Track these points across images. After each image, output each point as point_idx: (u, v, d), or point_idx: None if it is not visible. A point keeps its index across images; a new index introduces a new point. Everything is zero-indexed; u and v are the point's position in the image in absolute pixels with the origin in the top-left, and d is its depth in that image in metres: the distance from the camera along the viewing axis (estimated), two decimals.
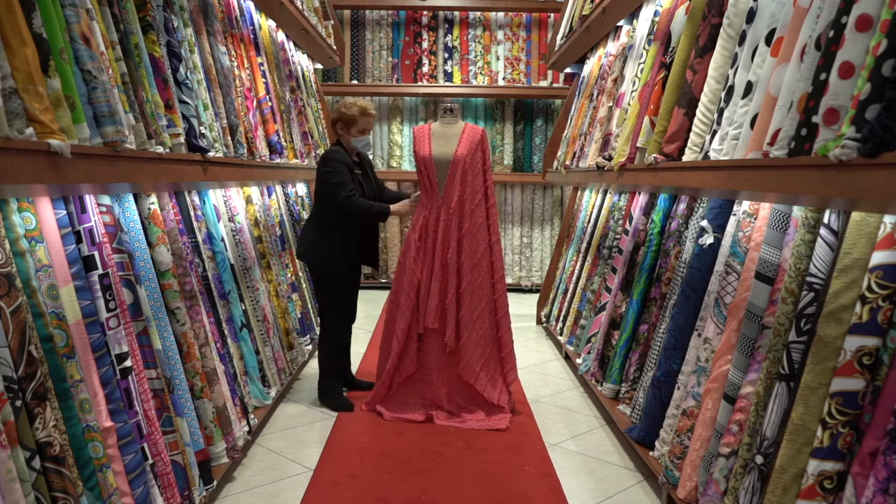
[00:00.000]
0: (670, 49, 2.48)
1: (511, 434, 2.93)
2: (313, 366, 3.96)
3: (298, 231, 4.38)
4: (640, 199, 3.24)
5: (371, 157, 6.52)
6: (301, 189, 4.82)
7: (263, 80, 3.40)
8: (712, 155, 1.88)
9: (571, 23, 4.34)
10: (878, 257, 1.49)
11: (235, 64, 2.95)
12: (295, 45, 4.68)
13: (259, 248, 3.31)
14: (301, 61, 4.85)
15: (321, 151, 4.80)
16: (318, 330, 3.50)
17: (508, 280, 6.55)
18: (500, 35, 6.46)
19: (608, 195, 3.96)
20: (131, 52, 1.85)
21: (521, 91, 6.33)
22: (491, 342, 3.19)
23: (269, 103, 3.41)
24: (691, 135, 2.10)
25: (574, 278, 4.27)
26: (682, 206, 2.69)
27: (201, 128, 2.28)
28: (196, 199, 2.59)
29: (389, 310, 3.23)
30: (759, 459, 1.70)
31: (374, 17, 6.44)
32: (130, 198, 2.07)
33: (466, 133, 3.17)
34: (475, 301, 3.11)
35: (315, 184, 3.19)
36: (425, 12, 6.39)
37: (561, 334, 4.28)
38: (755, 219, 2.06)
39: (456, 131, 3.18)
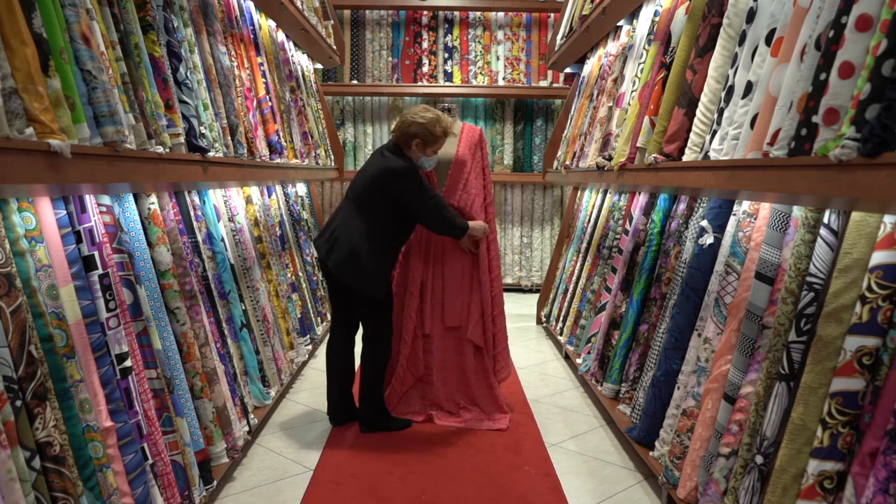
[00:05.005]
0: (670, 49, 2.48)
1: (511, 434, 2.93)
2: (313, 365, 3.96)
3: (300, 231, 4.37)
4: (640, 199, 3.24)
5: None
6: (301, 189, 4.82)
7: (263, 80, 3.40)
8: (712, 155, 1.88)
9: (571, 23, 4.34)
10: (878, 257, 1.49)
11: (235, 64, 2.95)
12: (295, 45, 4.68)
13: (259, 248, 3.31)
14: (301, 61, 4.85)
15: (321, 151, 4.80)
16: (353, 349, 3.04)
17: (508, 280, 6.55)
18: (500, 35, 6.45)
19: (608, 195, 3.96)
20: (131, 52, 1.86)
21: (521, 91, 6.33)
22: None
23: (269, 103, 3.41)
24: (691, 135, 2.10)
25: (574, 278, 4.27)
26: (682, 206, 2.69)
27: (201, 128, 2.28)
28: (196, 199, 2.59)
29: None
30: (759, 459, 1.70)
31: (374, 17, 6.44)
32: (130, 198, 2.07)
33: (465, 133, 3.17)
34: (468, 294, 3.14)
35: (374, 198, 2.74)
36: (425, 12, 6.39)
37: (561, 334, 4.28)
38: (755, 219, 2.06)
39: (455, 131, 3.18)
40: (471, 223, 2.94)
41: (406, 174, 2.72)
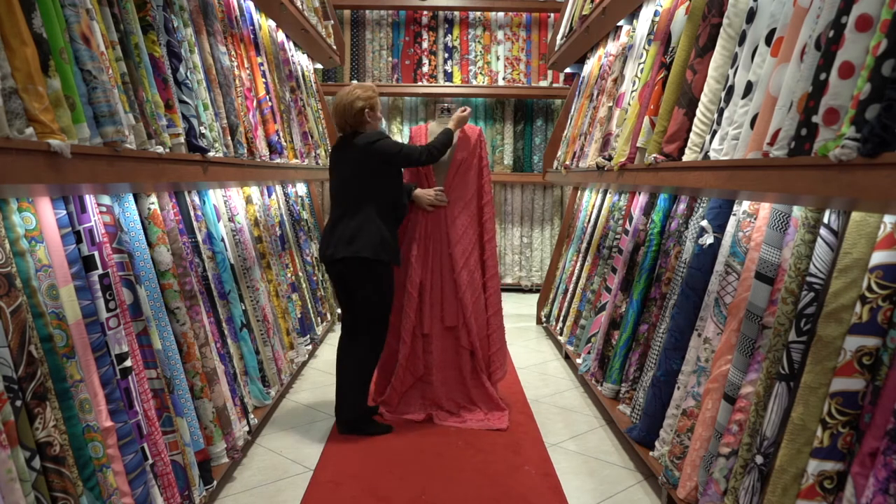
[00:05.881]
0: (670, 49, 2.48)
1: (511, 434, 2.93)
2: (313, 365, 3.96)
3: (300, 231, 4.37)
4: (640, 199, 3.24)
5: None
6: (301, 189, 4.82)
7: (263, 80, 3.40)
8: (712, 155, 1.88)
9: (571, 23, 4.34)
10: (878, 257, 1.49)
11: (235, 64, 2.95)
12: (295, 45, 4.68)
13: (259, 248, 3.31)
14: (301, 61, 4.85)
15: (321, 151, 4.80)
16: (341, 341, 2.99)
17: (508, 280, 6.55)
18: (500, 35, 6.46)
19: (608, 195, 3.96)
20: (131, 52, 1.86)
21: (521, 91, 6.33)
22: (482, 338, 3.20)
23: (269, 103, 3.41)
24: (691, 135, 2.10)
25: (574, 278, 4.27)
26: (682, 206, 2.69)
27: (201, 128, 2.28)
28: (196, 199, 2.59)
29: (391, 312, 3.21)
30: (759, 459, 1.70)
31: (374, 17, 6.44)
32: (130, 198, 2.07)
33: (464, 132, 3.17)
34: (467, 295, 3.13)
35: (361, 171, 2.79)
36: (425, 12, 6.39)
37: (561, 334, 4.28)
38: (755, 219, 2.06)
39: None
40: (451, 125, 3.01)
41: (383, 139, 2.81)
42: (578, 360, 3.62)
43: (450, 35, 6.45)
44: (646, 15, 3.14)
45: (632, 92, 2.99)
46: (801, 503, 1.54)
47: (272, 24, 3.96)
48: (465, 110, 3.06)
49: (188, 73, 2.28)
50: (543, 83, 6.45)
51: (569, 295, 4.31)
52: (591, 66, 4.55)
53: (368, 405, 3.12)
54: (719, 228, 2.27)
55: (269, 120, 3.36)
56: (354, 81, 6.43)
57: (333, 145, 2.97)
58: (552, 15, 6.36)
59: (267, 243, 3.43)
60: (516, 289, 6.57)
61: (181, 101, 2.17)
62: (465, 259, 3.12)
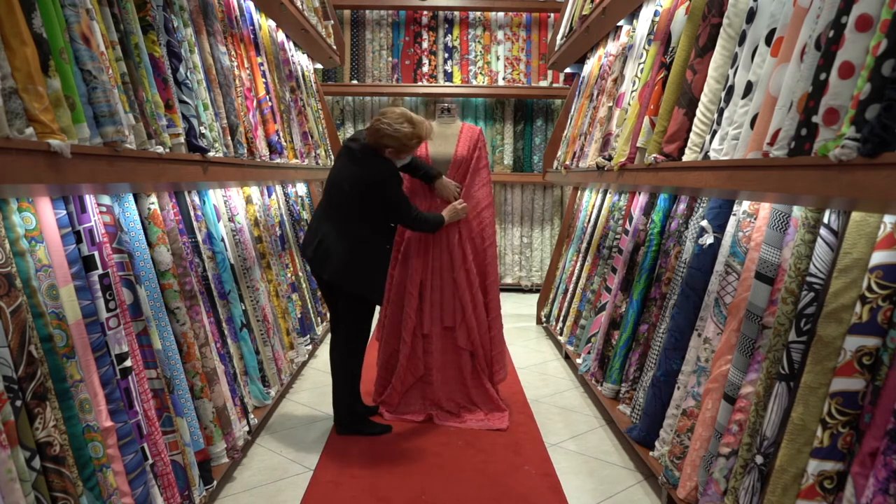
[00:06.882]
0: (670, 49, 2.48)
1: (511, 434, 2.93)
2: (313, 365, 3.96)
3: (300, 231, 4.37)
4: (640, 199, 3.24)
5: None
6: (301, 189, 4.82)
7: (263, 80, 3.40)
8: (712, 155, 1.88)
9: (571, 23, 4.34)
10: (878, 257, 1.49)
11: (235, 64, 2.96)
12: (295, 45, 4.68)
13: (259, 248, 3.31)
14: (301, 61, 4.85)
15: (321, 151, 4.80)
16: (330, 346, 2.97)
17: (508, 280, 6.55)
18: (500, 35, 6.46)
19: (608, 195, 3.96)
20: (131, 52, 1.86)
21: (521, 91, 6.33)
22: (483, 341, 3.20)
23: (269, 103, 3.41)
24: (691, 135, 2.10)
25: (574, 278, 4.27)
26: (682, 206, 2.69)
27: (201, 128, 2.28)
28: (196, 199, 2.59)
29: (392, 312, 3.22)
30: (759, 459, 1.71)
31: (374, 17, 6.44)
32: (130, 198, 2.07)
33: (465, 133, 3.17)
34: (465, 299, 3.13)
35: (363, 204, 2.70)
36: (425, 12, 6.39)
37: (561, 334, 4.28)
38: (755, 219, 2.06)
39: (454, 131, 3.19)
40: (444, 213, 2.98)
41: (392, 181, 2.71)
42: (578, 360, 3.62)
43: (450, 35, 6.45)
44: (646, 15, 3.14)
45: (632, 92, 2.99)
46: (801, 503, 1.54)
47: (272, 24, 3.96)
48: (462, 204, 3.03)
49: (188, 73, 2.28)
50: (543, 83, 6.45)
51: (569, 295, 4.31)
52: (591, 66, 4.55)
53: (368, 405, 3.13)
54: (719, 228, 2.27)
55: (269, 120, 3.36)
56: (355, 81, 6.41)
57: (352, 136, 2.85)
58: (552, 15, 6.36)
59: (267, 243, 3.43)
60: (516, 289, 6.57)
61: (181, 101, 2.17)
62: (463, 259, 3.12)
